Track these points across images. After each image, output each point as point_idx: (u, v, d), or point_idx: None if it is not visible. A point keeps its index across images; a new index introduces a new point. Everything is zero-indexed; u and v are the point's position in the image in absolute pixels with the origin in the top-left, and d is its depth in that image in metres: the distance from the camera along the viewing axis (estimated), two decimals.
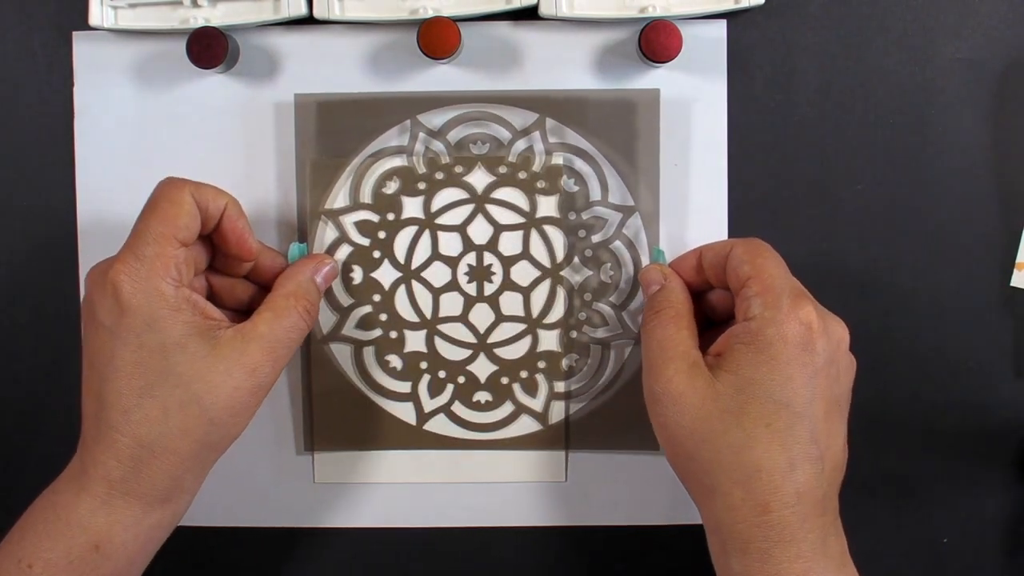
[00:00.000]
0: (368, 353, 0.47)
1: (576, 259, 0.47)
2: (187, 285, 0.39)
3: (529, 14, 0.45)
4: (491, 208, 0.47)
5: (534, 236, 0.47)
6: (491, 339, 0.47)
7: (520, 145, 0.46)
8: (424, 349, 0.47)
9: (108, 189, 0.47)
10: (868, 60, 0.46)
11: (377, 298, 0.47)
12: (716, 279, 0.43)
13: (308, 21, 0.45)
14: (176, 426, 0.38)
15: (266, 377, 0.39)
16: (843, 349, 0.40)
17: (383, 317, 0.47)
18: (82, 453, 0.39)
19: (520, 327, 0.47)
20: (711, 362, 0.39)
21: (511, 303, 0.47)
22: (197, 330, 0.38)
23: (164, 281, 0.38)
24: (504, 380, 0.47)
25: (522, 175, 0.46)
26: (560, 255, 0.47)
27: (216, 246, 0.43)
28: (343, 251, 0.47)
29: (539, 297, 0.47)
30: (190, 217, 0.39)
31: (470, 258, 0.47)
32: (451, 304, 0.47)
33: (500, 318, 0.47)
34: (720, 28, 0.46)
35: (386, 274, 0.47)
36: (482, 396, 0.47)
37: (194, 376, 0.38)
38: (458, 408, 0.47)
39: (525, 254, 0.47)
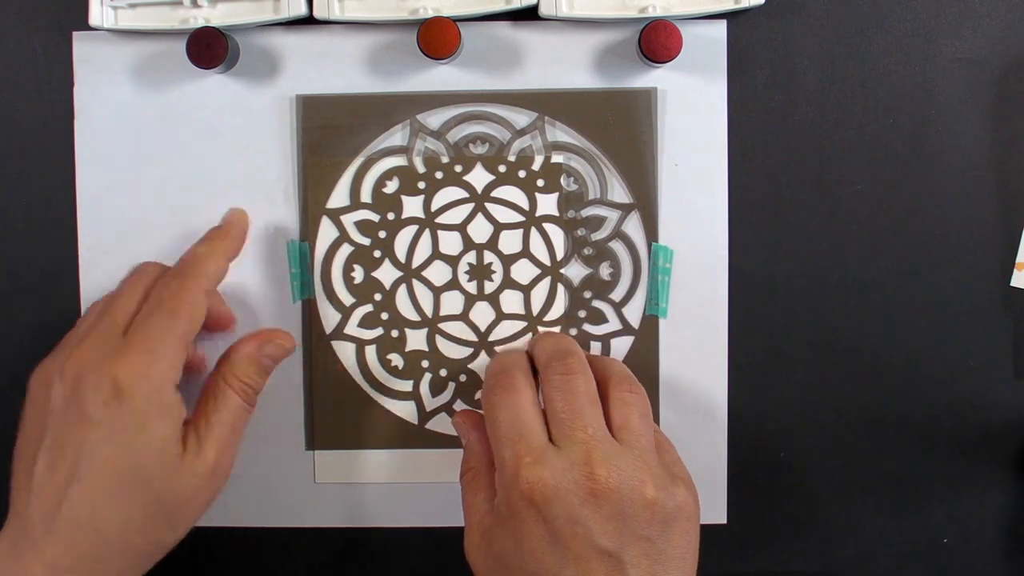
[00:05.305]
0: (370, 352, 0.47)
1: (576, 257, 0.47)
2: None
3: (529, 14, 0.45)
4: (491, 207, 0.47)
5: (534, 234, 0.47)
6: (492, 337, 0.47)
7: (519, 144, 0.46)
8: (425, 347, 0.47)
9: (108, 189, 0.47)
10: (868, 60, 0.46)
11: (378, 297, 0.47)
12: None
13: (308, 21, 0.45)
14: (137, 527, 0.38)
15: (224, 470, 0.40)
16: (569, 504, 0.37)
17: (384, 316, 0.47)
18: (16, 539, 0.37)
19: (521, 325, 0.47)
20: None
21: (511, 301, 0.47)
22: (174, 436, 0.38)
23: (168, 384, 0.38)
24: None
25: (522, 174, 0.46)
26: (560, 253, 0.47)
27: None
28: (344, 250, 0.47)
29: (539, 295, 0.47)
30: (202, 319, 0.40)
31: (470, 257, 0.47)
32: (452, 303, 0.47)
33: (501, 316, 0.47)
34: (720, 28, 0.46)
35: (387, 273, 0.47)
36: None
37: (165, 485, 0.38)
38: (460, 406, 0.47)
39: (525, 252, 0.47)
